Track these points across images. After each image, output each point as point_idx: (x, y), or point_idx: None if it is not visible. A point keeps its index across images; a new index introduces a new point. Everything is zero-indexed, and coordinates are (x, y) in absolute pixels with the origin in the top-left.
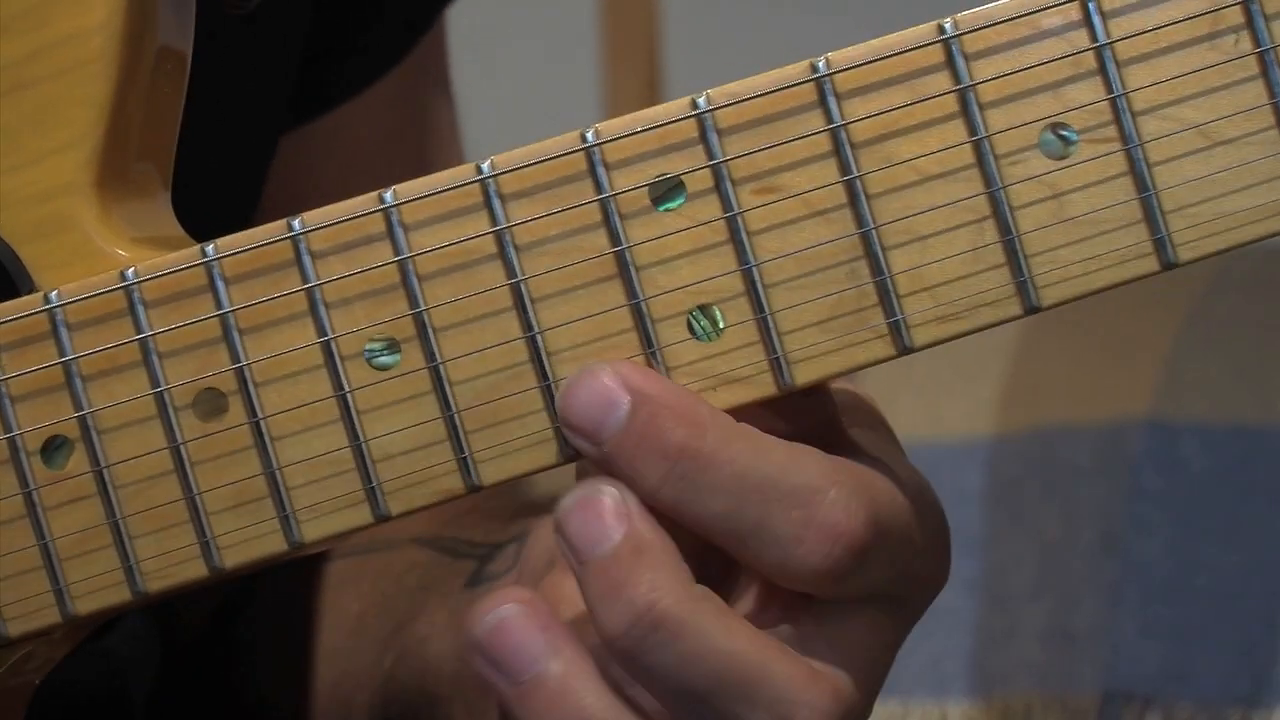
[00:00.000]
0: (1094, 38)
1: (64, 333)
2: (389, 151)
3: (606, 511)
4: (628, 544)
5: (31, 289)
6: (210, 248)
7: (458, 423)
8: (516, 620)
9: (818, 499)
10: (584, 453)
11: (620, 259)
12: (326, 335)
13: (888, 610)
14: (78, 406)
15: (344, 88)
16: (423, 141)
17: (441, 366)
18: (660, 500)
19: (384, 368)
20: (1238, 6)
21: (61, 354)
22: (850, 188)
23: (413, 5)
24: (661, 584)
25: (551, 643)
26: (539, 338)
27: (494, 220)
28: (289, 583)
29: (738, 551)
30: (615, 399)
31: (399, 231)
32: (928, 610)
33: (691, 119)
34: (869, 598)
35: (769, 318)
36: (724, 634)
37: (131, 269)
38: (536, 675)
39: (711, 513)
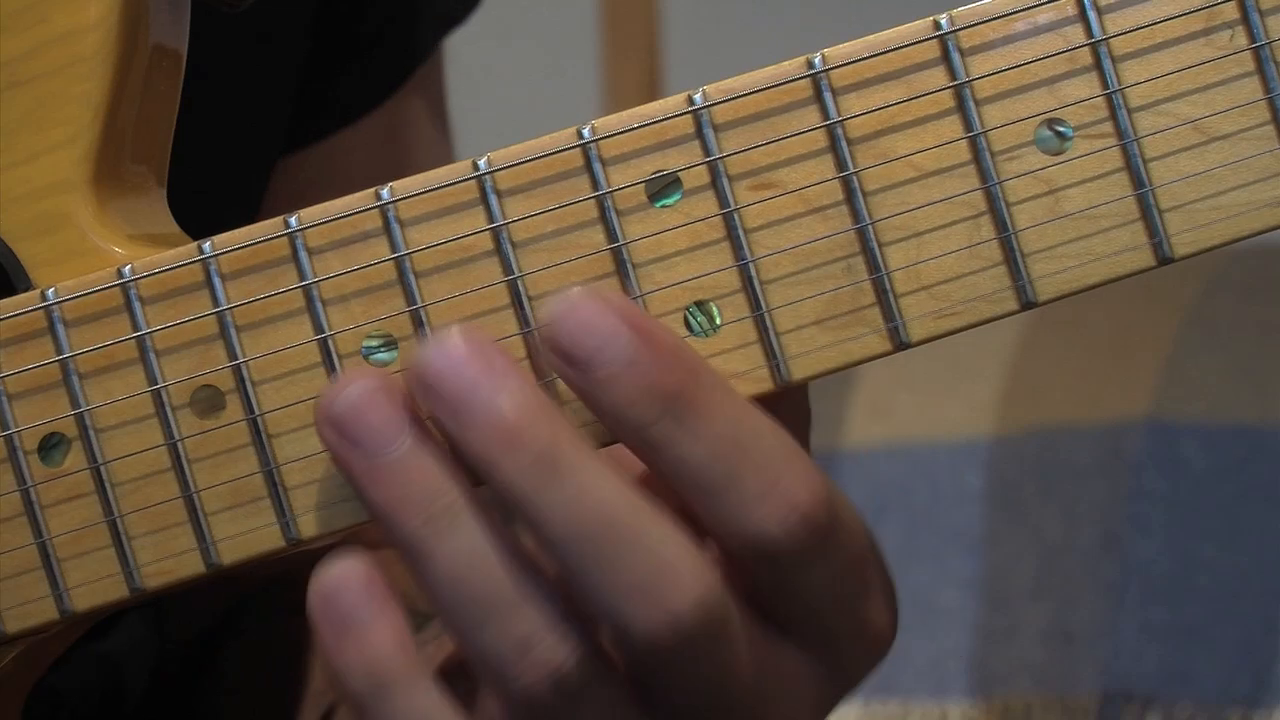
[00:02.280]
0: (1089, 33)
1: (61, 330)
2: (387, 178)
3: (483, 360)
4: (521, 397)
5: (28, 286)
6: (207, 244)
7: None
8: (379, 395)
9: (787, 468)
10: (563, 377)
11: (617, 255)
12: (324, 332)
13: (825, 662)
14: (75, 404)
15: (339, 116)
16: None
17: None
18: (645, 438)
19: (382, 364)
20: (1233, 2)
21: (59, 351)
22: (847, 184)
23: (410, 35)
24: (560, 429)
25: (412, 421)
26: (537, 336)
27: (491, 217)
28: (272, 626)
29: (698, 502)
30: (615, 331)
31: (396, 228)
32: (927, 610)
33: (688, 115)
34: (812, 632)
35: (766, 314)
36: (613, 483)
37: (128, 266)
38: (396, 452)
39: (688, 458)
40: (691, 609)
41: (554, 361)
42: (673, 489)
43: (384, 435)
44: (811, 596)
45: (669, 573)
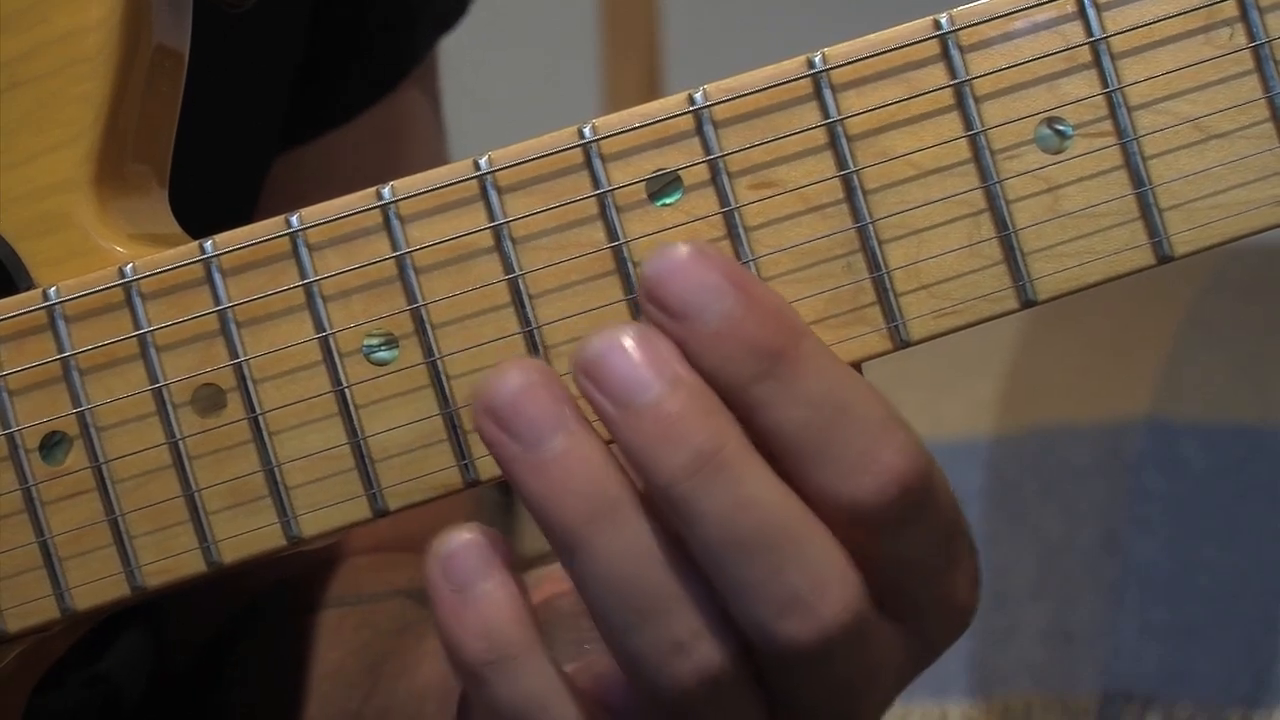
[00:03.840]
0: (1089, 32)
1: (62, 328)
2: (381, 178)
3: (645, 353)
4: (682, 388)
5: (30, 285)
6: (208, 243)
7: (456, 419)
8: (538, 387)
9: (888, 436)
10: (664, 330)
11: (618, 254)
12: (325, 330)
13: (913, 633)
14: (76, 402)
15: (336, 114)
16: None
17: (439, 362)
18: (746, 396)
19: (382, 363)
20: (1232, 0)
21: (60, 349)
22: (847, 182)
23: (408, 34)
24: (725, 427)
25: (571, 413)
26: (536, 333)
27: (491, 215)
28: (279, 627)
29: (795, 465)
30: (720, 286)
31: (396, 226)
32: None
33: (688, 114)
34: (901, 603)
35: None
36: (776, 488)
37: (130, 264)
38: (556, 443)
39: (788, 420)
40: (841, 620)
41: (654, 314)
42: (770, 452)
43: (545, 426)
44: (902, 566)
45: (823, 585)
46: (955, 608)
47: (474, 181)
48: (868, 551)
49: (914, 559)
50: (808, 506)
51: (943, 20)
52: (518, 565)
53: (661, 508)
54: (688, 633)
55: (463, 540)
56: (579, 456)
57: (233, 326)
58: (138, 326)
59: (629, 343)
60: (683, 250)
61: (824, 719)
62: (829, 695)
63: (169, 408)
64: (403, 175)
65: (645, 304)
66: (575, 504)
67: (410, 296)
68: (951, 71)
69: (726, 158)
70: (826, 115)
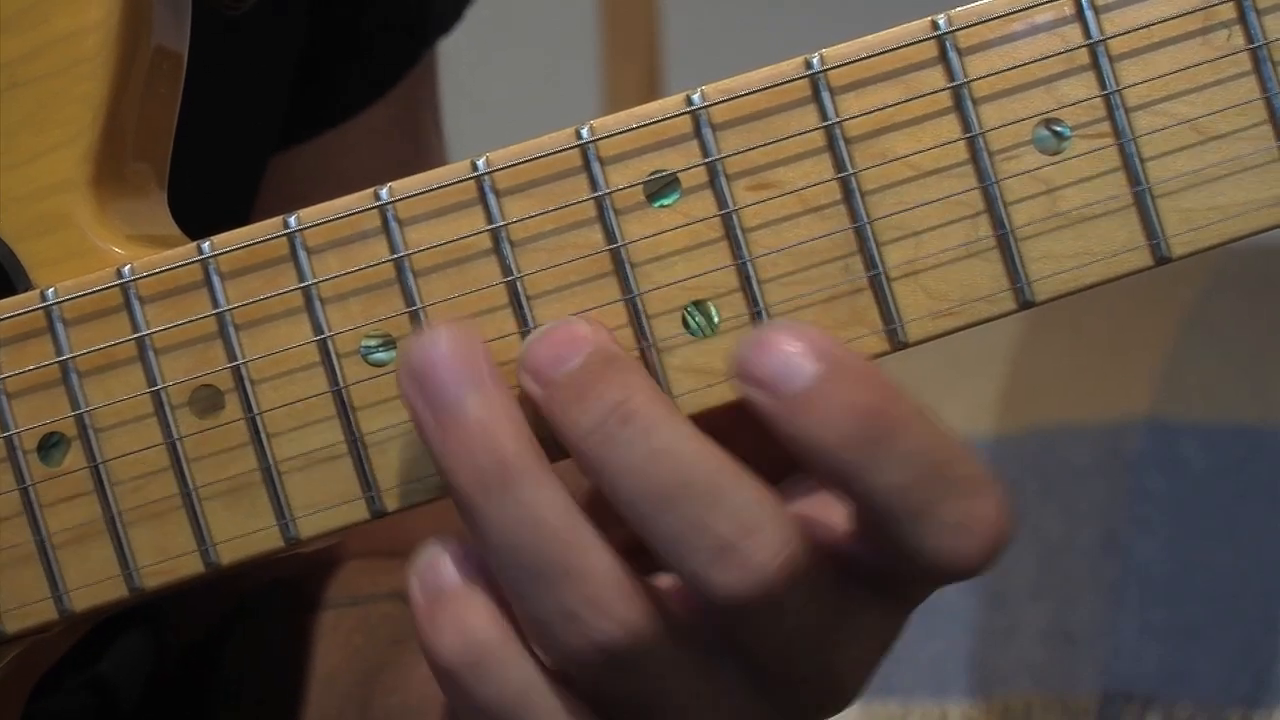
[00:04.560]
0: (1087, 33)
1: (61, 329)
2: (378, 179)
3: (573, 335)
4: (597, 355)
5: (28, 286)
6: (206, 244)
7: None
8: (453, 350)
9: (986, 493)
10: (753, 404)
11: (615, 255)
12: (322, 332)
13: (899, 600)
14: (74, 404)
15: (334, 113)
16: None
17: None
18: (841, 460)
19: (380, 364)
20: (1230, 2)
21: (58, 351)
22: (844, 184)
23: (404, 36)
24: (635, 384)
25: (478, 374)
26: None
27: (489, 217)
28: (272, 627)
29: (890, 528)
30: (805, 358)
31: (394, 228)
32: (927, 610)
33: (686, 115)
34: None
35: (764, 313)
36: (694, 439)
37: (128, 266)
38: (458, 408)
39: (887, 484)
40: (778, 565)
41: (746, 390)
42: (856, 510)
43: (449, 389)
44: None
45: (752, 530)
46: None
47: (472, 183)
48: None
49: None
50: (724, 452)
51: (941, 22)
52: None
53: (580, 467)
54: (579, 602)
55: (437, 549)
56: (478, 421)
57: (231, 328)
58: (136, 328)
59: (565, 323)
60: (765, 327)
61: (802, 678)
62: (797, 651)
63: (167, 409)
64: (399, 176)
65: (735, 382)
66: (470, 470)
67: (408, 298)
68: (950, 73)
69: (725, 159)
70: (825, 117)
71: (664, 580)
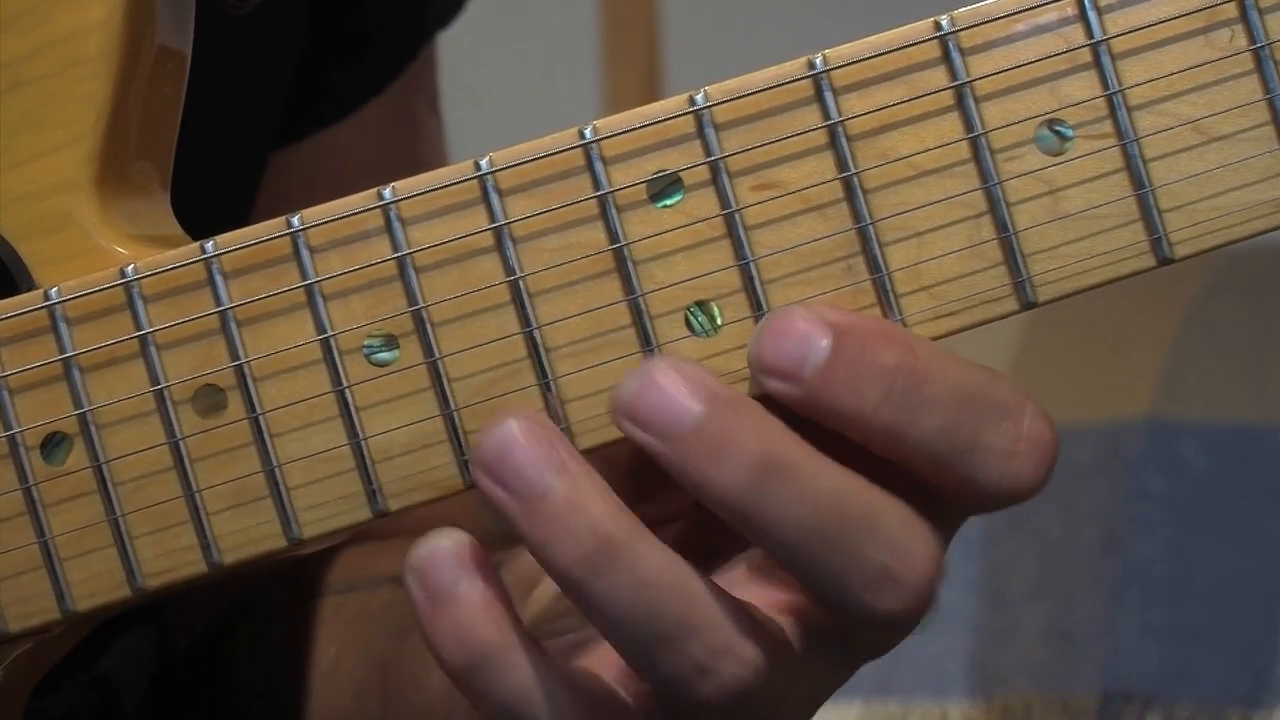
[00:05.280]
0: (1090, 33)
1: (64, 328)
2: (377, 174)
3: (676, 385)
4: (719, 405)
5: (31, 286)
6: (209, 244)
7: (456, 420)
8: (521, 436)
9: (1022, 411)
10: (779, 396)
11: (618, 255)
12: (325, 331)
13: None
14: (77, 403)
15: (333, 109)
16: (411, 164)
17: (440, 362)
18: (877, 422)
19: (383, 364)
20: (1233, 2)
21: (61, 350)
22: (847, 184)
23: (403, 30)
24: (770, 430)
25: (557, 457)
26: (537, 334)
27: (492, 216)
28: (275, 616)
29: (949, 473)
30: (814, 335)
31: (397, 227)
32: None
33: (689, 115)
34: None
35: (767, 313)
36: (836, 472)
37: (131, 265)
38: (545, 489)
39: (929, 430)
40: (930, 578)
41: (768, 384)
42: (907, 466)
43: (532, 474)
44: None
45: (907, 553)
46: None
47: (475, 182)
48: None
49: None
50: (853, 473)
51: (944, 22)
52: (491, 562)
53: (730, 521)
54: (706, 655)
55: (433, 548)
56: (570, 501)
57: (233, 327)
58: (139, 327)
59: (661, 377)
60: (770, 316)
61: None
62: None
63: (170, 408)
64: (399, 171)
65: (757, 377)
66: (570, 549)
67: (411, 297)
68: (952, 73)
69: (727, 159)
70: (827, 116)
71: (759, 594)
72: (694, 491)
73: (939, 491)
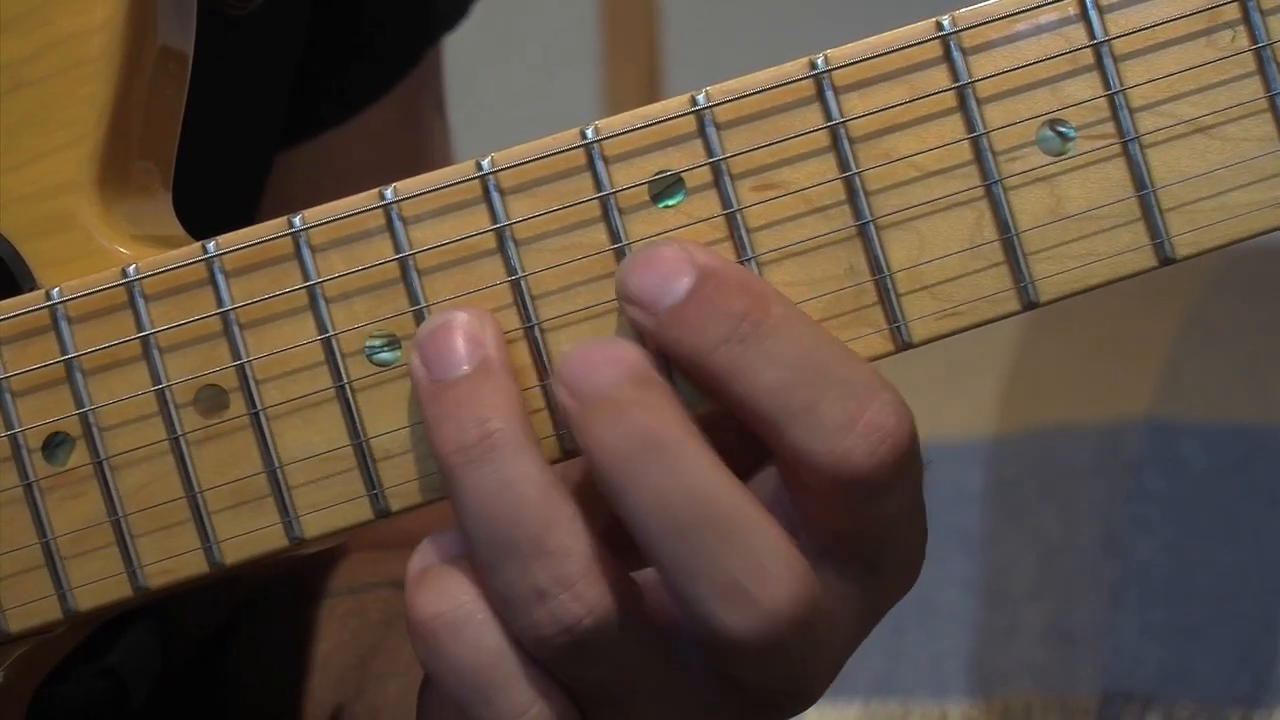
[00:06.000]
0: (1091, 34)
1: (65, 329)
2: (381, 176)
3: (605, 353)
4: (626, 370)
5: (33, 286)
6: (211, 244)
7: None
8: (465, 326)
9: (872, 395)
10: (637, 325)
11: (620, 255)
12: (327, 331)
13: (868, 594)
14: (79, 403)
15: (337, 111)
16: (415, 167)
17: None
18: (714, 361)
19: (384, 364)
20: (1235, 3)
21: (63, 350)
22: (849, 184)
23: (408, 33)
24: (669, 414)
25: (479, 353)
26: (538, 333)
27: (494, 217)
28: (276, 618)
29: (777, 433)
30: (679, 269)
31: (399, 227)
32: (927, 610)
33: (690, 115)
34: (861, 562)
35: (643, 243)
36: (719, 473)
37: (133, 265)
38: (455, 375)
39: (765, 383)
40: (786, 612)
41: (627, 310)
42: (746, 424)
43: (452, 357)
44: (875, 527)
45: (765, 573)
46: (910, 567)
47: (476, 183)
48: (843, 514)
49: (889, 519)
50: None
51: (945, 22)
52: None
53: (599, 486)
54: (550, 580)
55: (435, 536)
56: (470, 389)
57: (235, 327)
58: (140, 327)
59: (592, 343)
60: (645, 248)
61: (772, 693)
62: (779, 676)
63: (171, 408)
64: (402, 173)
65: (621, 304)
66: (453, 432)
67: (413, 298)
68: (954, 74)
69: (729, 159)
70: (829, 117)
71: (645, 575)
72: (583, 449)
73: (776, 458)
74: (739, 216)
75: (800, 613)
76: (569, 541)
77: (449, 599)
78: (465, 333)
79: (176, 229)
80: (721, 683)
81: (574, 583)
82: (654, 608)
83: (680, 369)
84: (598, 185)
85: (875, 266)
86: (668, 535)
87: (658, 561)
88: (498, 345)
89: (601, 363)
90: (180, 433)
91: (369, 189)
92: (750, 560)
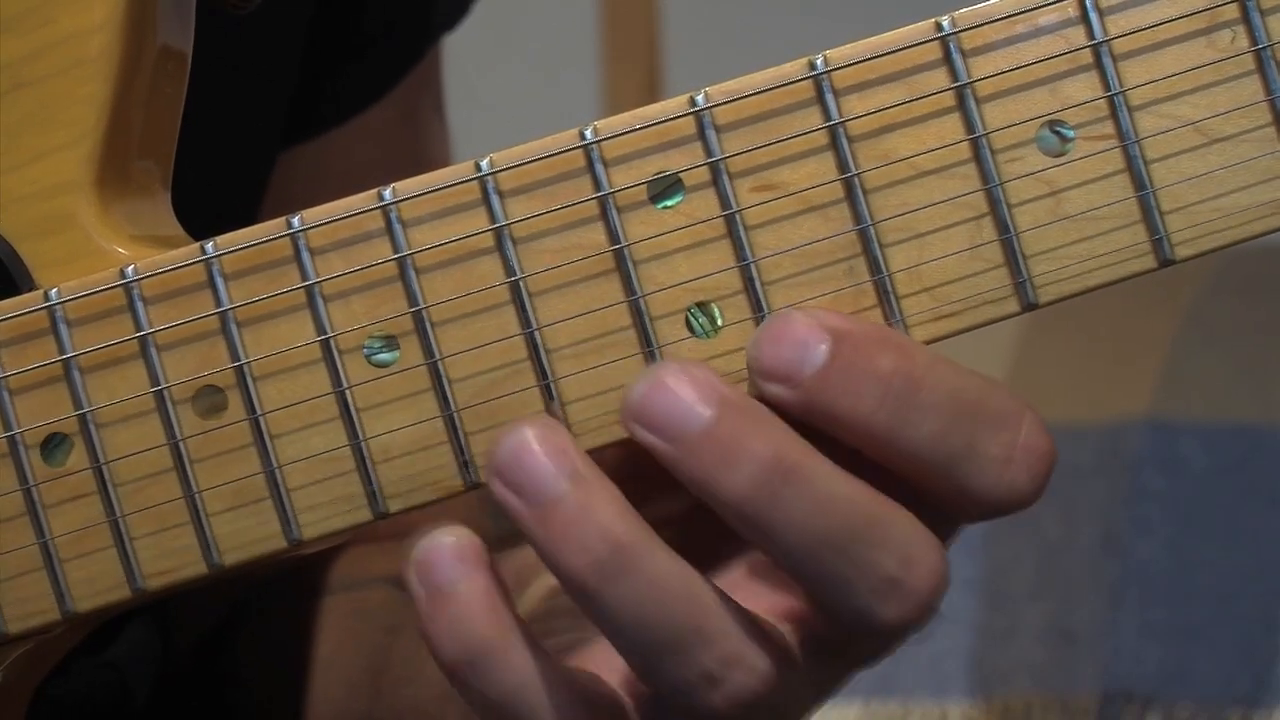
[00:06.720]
0: (1091, 34)
1: (64, 329)
2: (381, 176)
3: (685, 388)
4: (730, 409)
5: (31, 287)
6: (210, 245)
7: (457, 421)
8: (535, 442)
9: (1019, 420)
10: (776, 400)
11: (619, 256)
12: (325, 332)
13: None
14: (77, 404)
15: (338, 111)
16: (415, 167)
17: (440, 363)
18: (873, 426)
19: (383, 364)
20: (1234, 3)
21: (61, 351)
22: (848, 184)
23: (408, 33)
24: (781, 436)
25: (570, 463)
26: (537, 334)
27: (493, 217)
28: (276, 615)
29: (942, 479)
30: (813, 339)
31: (398, 228)
32: None
33: (690, 116)
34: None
35: (767, 315)
36: (846, 479)
37: (131, 266)
38: (558, 495)
39: (924, 435)
40: (937, 588)
41: (766, 388)
42: (902, 473)
43: (544, 479)
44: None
45: (912, 560)
46: None
47: (475, 183)
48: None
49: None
50: (863, 483)
51: (945, 23)
52: (493, 562)
53: (736, 527)
54: (717, 663)
55: (434, 544)
56: (583, 507)
57: (234, 327)
58: (139, 328)
59: (670, 379)
60: (770, 320)
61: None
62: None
63: (170, 409)
64: (402, 173)
65: (758, 382)
66: (580, 556)
67: (411, 298)
68: (953, 74)
69: (728, 160)
70: (828, 118)
71: (758, 599)
72: (703, 496)
73: (935, 499)
74: (738, 217)
75: (945, 582)
76: (723, 620)
77: (467, 635)
78: (545, 448)
79: (176, 229)
80: (830, 660)
81: (741, 657)
82: (792, 639)
83: (833, 434)
84: (597, 186)
85: (874, 267)
86: (824, 554)
87: (809, 580)
88: (577, 448)
89: (692, 399)
90: (179, 434)
91: (370, 189)
92: (898, 553)
